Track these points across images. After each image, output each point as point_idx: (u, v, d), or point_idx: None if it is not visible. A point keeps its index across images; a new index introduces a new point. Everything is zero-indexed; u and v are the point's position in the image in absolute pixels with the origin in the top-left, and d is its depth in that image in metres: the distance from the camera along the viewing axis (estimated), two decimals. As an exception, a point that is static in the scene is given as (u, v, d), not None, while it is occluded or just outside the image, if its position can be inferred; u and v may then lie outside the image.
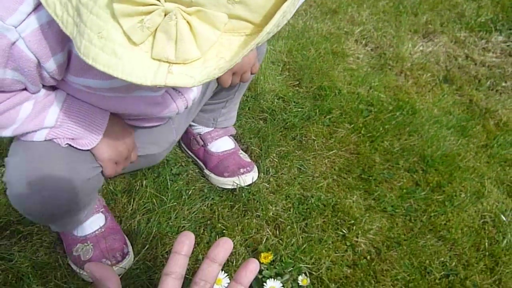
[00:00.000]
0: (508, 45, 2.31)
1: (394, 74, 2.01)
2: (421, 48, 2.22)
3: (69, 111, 0.90)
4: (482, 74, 2.09)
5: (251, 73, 1.19)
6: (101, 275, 0.49)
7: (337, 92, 1.82)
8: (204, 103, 1.29)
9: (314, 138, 1.62)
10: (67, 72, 0.85)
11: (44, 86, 0.88)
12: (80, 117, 0.91)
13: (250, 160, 1.45)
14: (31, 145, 0.91)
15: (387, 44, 2.21)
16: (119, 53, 0.58)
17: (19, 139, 0.92)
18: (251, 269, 0.57)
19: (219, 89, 1.27)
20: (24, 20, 0.71)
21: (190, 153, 1.49)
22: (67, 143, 0.92)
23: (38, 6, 0.71)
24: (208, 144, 1.43)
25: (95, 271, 0.49)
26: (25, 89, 0.85)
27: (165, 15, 0.56)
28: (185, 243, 0.57)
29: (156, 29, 0.57)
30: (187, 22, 0.56)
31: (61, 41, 0.76)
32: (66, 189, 0.94)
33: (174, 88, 1.00)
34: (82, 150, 0.94)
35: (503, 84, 2.05)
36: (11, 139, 0.98)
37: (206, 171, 1.43)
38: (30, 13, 0.71)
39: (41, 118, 0.88)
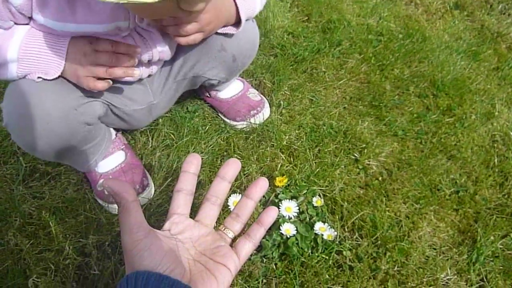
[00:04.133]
0: (522, -32, 2.25)
1: (404, 4, 2.00)
2: (431, -24, 2.18)
3: (28, 44, 0.93)
4: (494, -2, 2.06)
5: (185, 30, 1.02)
6: (119, 188, 0.51)
7: (346, 24, 1.82)
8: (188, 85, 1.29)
9: (325, 70, 1.63)
10: (32, 10, 0.89)
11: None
12: (41, 47, 0.93)
13: (260, 98, 1.47)
14: (16, 85, 0.96)
15: (397, -26, 2.17)
16: None
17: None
18: (260, 185, 0.62)
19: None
20: None
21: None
22: (39, 77, 0.95)
23: None
24: (214, 95, 1.45)
25: (113, 185, 0.51)
26: None
27: None
28: (193, 162, 0.62)
29: None
30: None
31: None
32: (56, 119, 0.97)
33: (140, 34, 1.02)
34: (67, 81, 0.98)
35: (516, 7, 2.02)
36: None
37: (220, 114, 1.47)
38: None
39: (3, 51, 0.92)
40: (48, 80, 0.96)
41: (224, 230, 0.61)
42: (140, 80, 1.16)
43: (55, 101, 0.97)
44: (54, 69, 0.95)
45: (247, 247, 0.59)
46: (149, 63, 1.10)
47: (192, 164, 0.62)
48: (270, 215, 0.60)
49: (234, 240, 0.63)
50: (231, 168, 0.63)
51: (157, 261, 0.50)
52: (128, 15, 0.94)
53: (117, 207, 1.15)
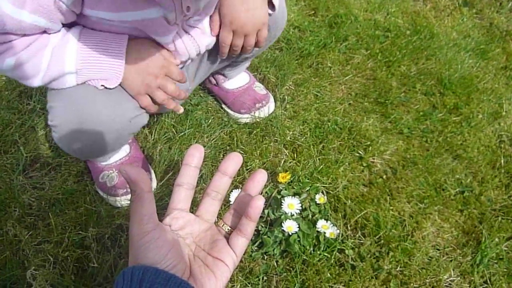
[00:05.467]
0: (533, -34, 2.21)
1: (412, 0, 1.97)
2: (440, -28, 2.15)
3: (85, 51, 0.91)
4: (504, -4, 2.03)
5: (257, 43, 1.13)
6: (136, 176, 0.50)
7: (353, 19, 1.79)
8: (216, 67, 1.29)
9: (330, 65, 1.61)
10: (83, 5, 0.86)
11: (64, 25, 0.90)
12: (99, 52, 0.92)
13: (265, 92, 1.45)
14: (73, 90, 0.94)
15: (405, -31, 2.15)
16: None
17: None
18: (258, 179, 0.59)
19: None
20: None
21: (206, 88, 1.51)
22: (102, 85, 0.94)
23: None
24: (221, 83, 1.43)
25: (130, 172, 0.50)
26: (44, 32, 0.88)
27: None
28: (195, 155, 0.60)
29: None
30: None
31: None
32: (111, 131, 0.98)
33: (187, 32, 1.01)
34: (123, 91, 0.98)
35: (526, 5, 1.99)
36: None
37: (224, 106, 1.45)
38: None
39: (60, 64, 0.89)
40: (109, 88, 0.96)
41: (223, 226, 0.60)
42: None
43: (114, 112, 0.97)
44: (114, 74, 0.94)
45: (240, 242, 0.57)
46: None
47: (194, 157, 0.60)
48: (255, 207, 0.55)
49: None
50: (232, 162, 0.61)
51: (162, 255, 0.50)
52: (173, 7, 0.91)
53: (120, 196, 1.18)
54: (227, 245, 0.57)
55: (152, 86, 0.99)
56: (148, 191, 0.51)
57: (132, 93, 0.99)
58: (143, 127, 1.36)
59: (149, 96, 1.01)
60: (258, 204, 0.55)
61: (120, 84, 0.97)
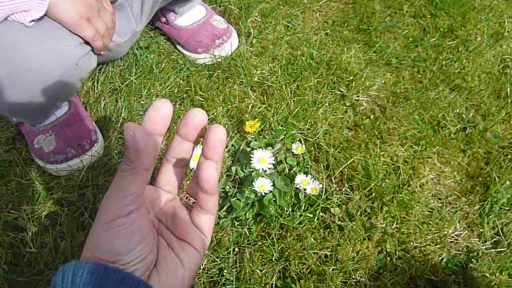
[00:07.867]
0: None
1: None
2: None
3: None
4: None
5: None
6: (143, 145, 0.41)
7: None
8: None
9: (302, -10, 1.47)
10: None
11: None
12: None
13: (226, 26, 1.29)
14: None
15: None
16: None
17: None
18: (212, 141, 0.47)
19: None
20: None
21: (157, 28, 1.34)
22: (31, 20, 0.81)
23: None
24: (172, 21, 1.27)
25: (138, 137, 0.41)
26: None
27: None
28: (156, 120, 0.46)
29: None
30: None
31: None
32: (53, 78, 0.86)
33: None
34: (60, 27, 0.85)
35: None
36: None
37: (178, 46, 1.29)
38: None
39: None
40: (39, 20, 0.82)
41: (187, 198, 0.52)
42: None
43: (54, 54, 0.83)
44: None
45: (204, 220, 0.49)
46: None
47: (155, 123, 0.46)
48: (207, 180, 0.45)
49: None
50: (192, 125, 0.48)
51: (131, 246, 0.43)
52: None
53: (60, 163, 1.01)
54: (190, 221, 0.50)
55: (94, 9, 0.87)
56: (148, 169, 0.43)
57: (71, 20, 0.85)
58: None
59: None
60: (208, 175, 0.45)
61: (51, 17, 0.84)
